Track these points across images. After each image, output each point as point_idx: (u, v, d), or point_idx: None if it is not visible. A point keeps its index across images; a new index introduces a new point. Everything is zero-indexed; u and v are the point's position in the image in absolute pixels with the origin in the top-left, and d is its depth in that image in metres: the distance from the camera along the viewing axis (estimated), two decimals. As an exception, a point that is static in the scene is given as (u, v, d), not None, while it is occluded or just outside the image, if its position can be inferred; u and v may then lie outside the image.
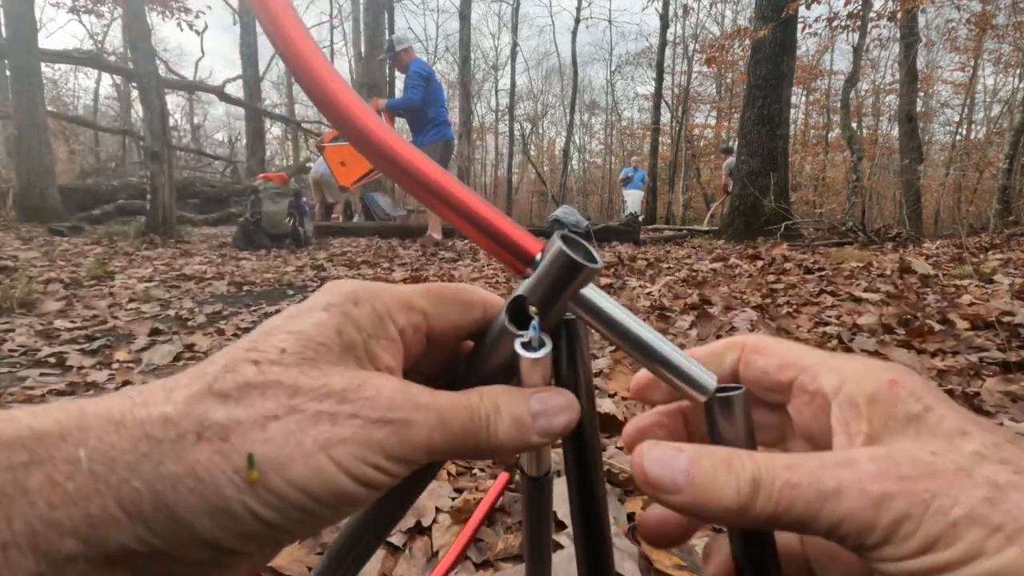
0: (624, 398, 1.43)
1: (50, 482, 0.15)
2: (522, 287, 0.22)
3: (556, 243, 0.21)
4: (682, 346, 0.23)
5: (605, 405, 1.32)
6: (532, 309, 0.22)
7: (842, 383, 0.21)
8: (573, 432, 0.25)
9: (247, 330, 2.19)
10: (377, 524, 0.27)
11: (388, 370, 0.21)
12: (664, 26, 16.95)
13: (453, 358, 0.26)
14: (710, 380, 0.22)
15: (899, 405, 0.20)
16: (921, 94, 16.95)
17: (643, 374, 0.26)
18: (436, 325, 0.24)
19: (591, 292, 0.22)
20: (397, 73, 6.30)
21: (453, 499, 0.97)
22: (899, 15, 7.57)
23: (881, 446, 0.19)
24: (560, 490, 0.99)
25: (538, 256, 0.22)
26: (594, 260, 0.21)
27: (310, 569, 0.79)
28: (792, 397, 0.24)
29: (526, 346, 0.21)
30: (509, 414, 0.21)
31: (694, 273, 3.72)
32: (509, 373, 0.23)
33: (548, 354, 0.22)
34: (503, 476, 0.75)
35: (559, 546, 0.84)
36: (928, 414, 0.19)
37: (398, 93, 6.13)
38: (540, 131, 30.83)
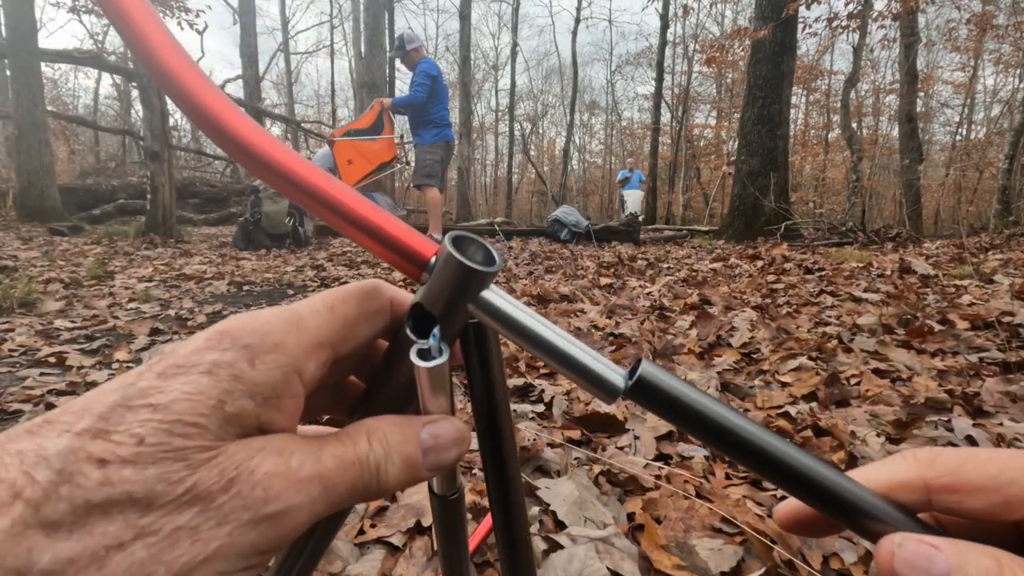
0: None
1: None
2: (418, 294, 0.21)
3: (447, 247, 0.20)
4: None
5: (605, 405, 1.33)
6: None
7: None
8: (491, 439, 0.25)
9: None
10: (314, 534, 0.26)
11: (281, 430, 0.19)
12: (664, 26, 16.94)
13: (360, 360, 0.24)
14: (618, 380, 0.21)
15: None
16: (921, 94, 16.95)
17: (790, 508, 0.21)
18: (343, 351, 0.21)
19: (491, 294, 0.21)
20: (398, 73, 6.28)
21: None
22: (900, 15, 7.57)
23: None
24: (560, 490, 0.99)
25: (432, 260, 0.21)
26: (492, 262, 0.21)
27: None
28: None
29: (423, 355, 0.20)
30: (400, 456, 0.20)
31: (694, 273, 3.72)
32: (413, 385, 0.22)
33: (444, 363, 0.21)
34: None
35: (559, 546, 0.84)
36: None
37: (398, 93, 6.12)
38: (540, 131, 30.84)
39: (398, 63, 5.87)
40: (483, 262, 0.20)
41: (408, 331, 0.21)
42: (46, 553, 0.14)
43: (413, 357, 0.20)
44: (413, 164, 5.71)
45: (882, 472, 0.20)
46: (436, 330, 0.21)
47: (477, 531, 0.86)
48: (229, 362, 0.17)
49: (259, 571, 0.17)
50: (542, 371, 1.67)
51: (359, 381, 0.25)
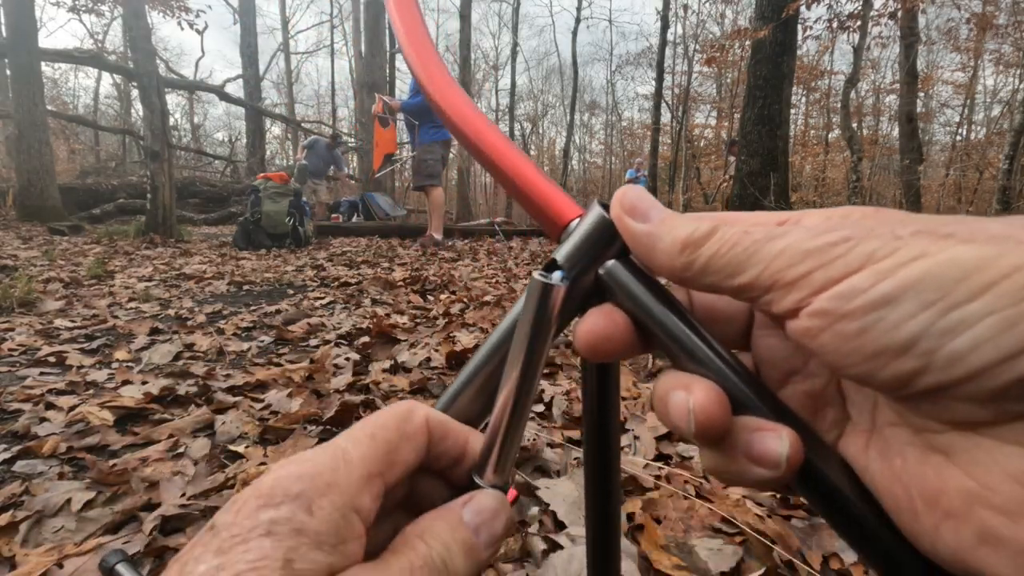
0: (624, 398, 1.43)
1: None
2: (556, 251, 0.22)
3: (595, 204, 0.22)
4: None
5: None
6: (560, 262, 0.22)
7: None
8: (596, 462, 0.27)
9: (247, 329, 2.20)
10: None
11: (352, 562, 0.18)
12: (664, 26, 16.94)
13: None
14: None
15: None
16: (921, 94, 16.96)
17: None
18: (391, 479, 0.20)
19: (625, 262, 0.21)
20: (398, 73, 6.29)
21: (453, 499, 0.97)
22: (899, 14, 7.56)
23: None
24: (559, 490, 0.99)
25: (575, 221, 0.23)
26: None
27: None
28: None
29: (543, 273, 0.21)
30: (457, 543, 0.19)
31: (694, 273, 3.72)
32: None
33: (560, 286, 0.20)
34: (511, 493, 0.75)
35: (558, 546, 0.84)
36: None
37: (397, 92, 6.11)
38: (540, 131, 30.81)
39: (398, 62, 5.87)
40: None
41: (537, 274, 0.22)
42: None
43: (535, 274, 0.21)
44: (410, 165, 5.70)
45: None
46: (560, 272, 0.21)
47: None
48: (287, 517, 0.17)
49: None
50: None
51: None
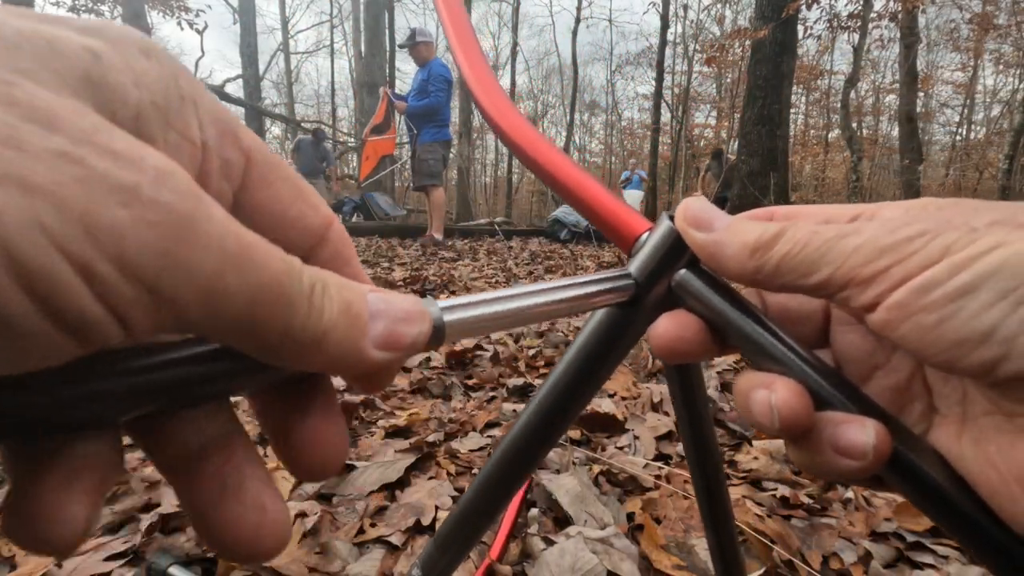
0: (623, 398, 1.43)
1: None
2: (629, 263, 0.24)
3: (663, 218, 0.23)
4: None
5: (605, 405, 1.33)
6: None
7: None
8: (696, 450, 0.32)
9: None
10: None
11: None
12: (664, 26, 16.94)
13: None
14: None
15: None
16: (921, 94, 16.96)
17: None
18: (256, 195, 0.16)
19: (697, 271, 0.22)
20: (399, 72, 6.29)
21: (454, 497, 0.97)
22: (900, 15, 7.56)
23: None
24: (563, 483, 0.99)
25: (645, 234, 0.24)
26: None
27: (311, 570, 0.79)
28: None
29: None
30: (339, 295, 0.14)
31: (694, 273, 3.71)
32: None
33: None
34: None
35: (551, 542, 0.84)
36: None
37: (397, 89, 6.11)
38: (540, 131, 30.76)
39: (398, 61, 5.88)
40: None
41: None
42: None
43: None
44: (411, 165, 5.70)
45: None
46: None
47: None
48: (116, 36, 0.13)
49: (103, 327, 0.11)
50: (542, 371, 1.67)
51: None
